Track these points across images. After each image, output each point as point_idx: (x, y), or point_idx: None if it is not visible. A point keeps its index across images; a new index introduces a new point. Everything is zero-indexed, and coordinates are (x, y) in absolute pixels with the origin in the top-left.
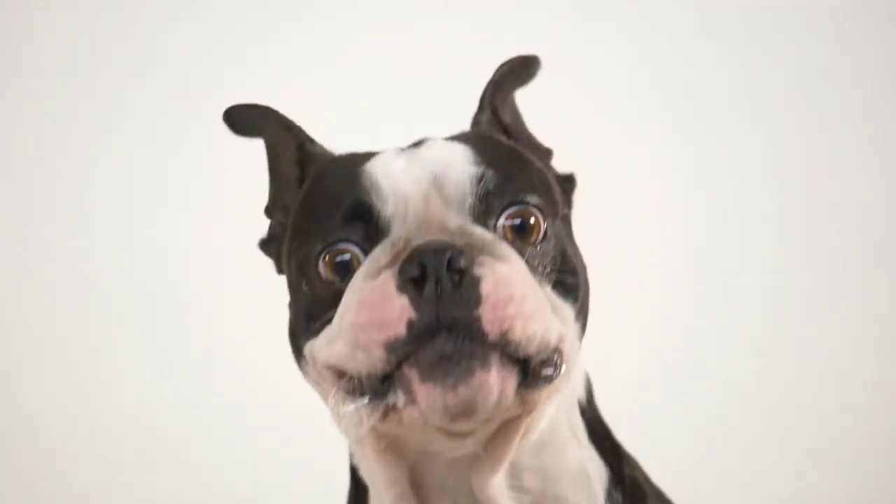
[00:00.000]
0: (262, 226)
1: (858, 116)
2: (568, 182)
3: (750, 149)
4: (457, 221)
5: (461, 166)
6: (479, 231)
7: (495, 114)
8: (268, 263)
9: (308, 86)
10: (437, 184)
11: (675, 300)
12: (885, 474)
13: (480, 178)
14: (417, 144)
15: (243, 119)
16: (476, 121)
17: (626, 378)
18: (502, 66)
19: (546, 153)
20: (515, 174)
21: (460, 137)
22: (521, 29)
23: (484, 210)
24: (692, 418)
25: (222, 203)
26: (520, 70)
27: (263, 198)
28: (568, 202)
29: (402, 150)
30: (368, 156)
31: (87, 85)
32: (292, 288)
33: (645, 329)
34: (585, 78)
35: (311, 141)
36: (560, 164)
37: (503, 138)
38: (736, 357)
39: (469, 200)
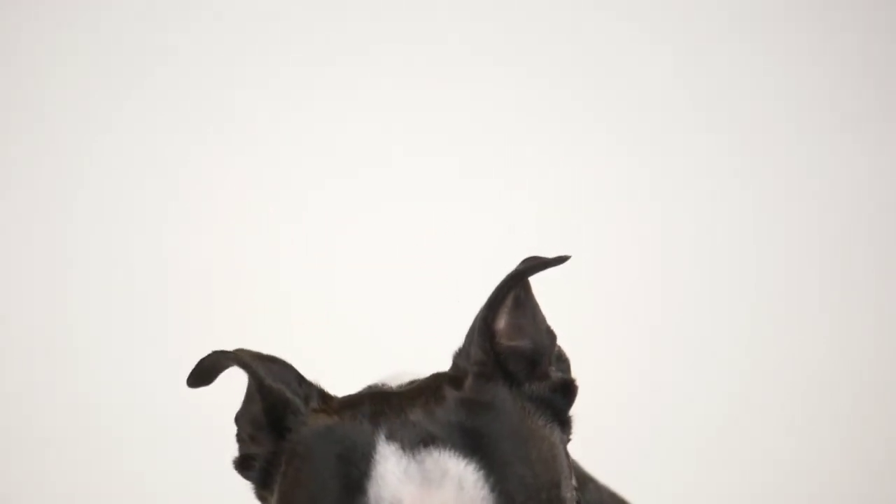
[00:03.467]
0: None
1: (844, 121)
2: (567, 393)
3: (740, 152)
4: None
5: None
6: None
7: (491, 343)
8: (263, 268)
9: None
10: None
11: (665, 307)
12: (880, 477)
13: None
14: (420, 447)
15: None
16: (465, 356)
17: (617, 388)
18: (491, 296)
19: (551, 337)
20: None
21: (474, 447)
22: (504, 34)
23: None
24: (686, 425)
25: (215, 208)
26: (507, 290)
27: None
28: (567, 429)
29: (407, 461)
30: (364, 459)
31: (82, 85)
32: None
33: (635, 338)
34: (568, 86)
35: (278, 390)
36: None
37: (516, 431)
38: (729, 361)
39: None
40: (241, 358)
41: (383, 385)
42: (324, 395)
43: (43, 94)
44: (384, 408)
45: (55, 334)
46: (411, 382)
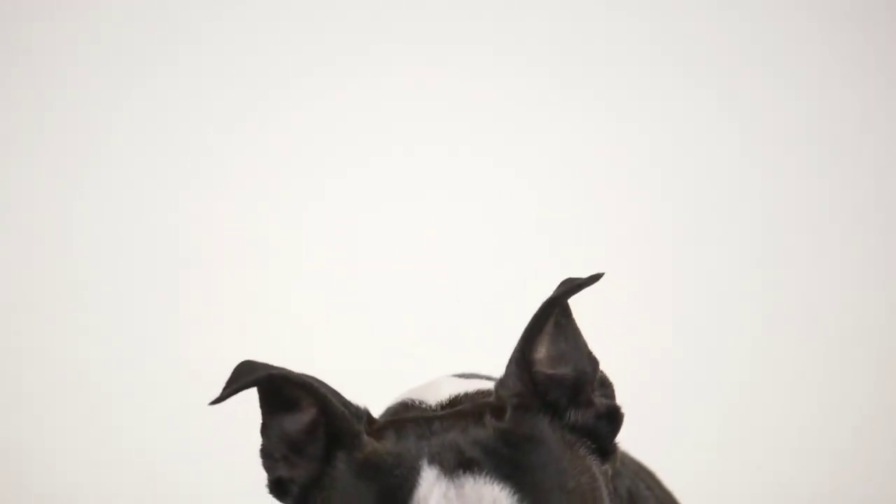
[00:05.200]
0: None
1: (853, 117)
2: (612, 420)
3: (745, 148)
4: None
5: None
6: None
7: (529, 374)
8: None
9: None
10: None
11: (665, 304)
12: (884, 475)
13: None
14: (459, 471)
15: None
16: (506, 386)
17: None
18: (529, 325)
19: (593, 363)
20: None
21: (511, 475)
22: (502, 25)
23: None
24: (690, 422)
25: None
26: (545, 318)
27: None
28: (612, 458)
29: (446, 485)
30: (407, 482)
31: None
32: None
33: (636, 334)
34: (568, 80)
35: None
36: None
37: (555, 458)
38: (734, 359)
39: None
40: (300, 379)
41: (421, 403)
42: (370, 418)
43: (49, 85)
44: (427, 431)
45: (56, 335)
46: (452, 400)
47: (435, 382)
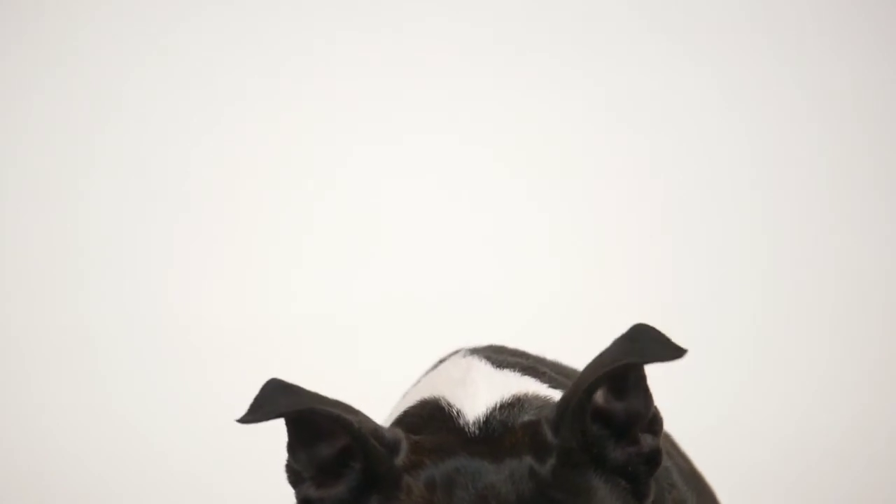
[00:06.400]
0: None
1: (863, 99)
2: (652, 462)
3: (744, 147)
4: None
5: None
6: None
7: (584, 427)
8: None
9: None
10: None
11: (664, 296)
12: (884, 479)
13: None
14: None
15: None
16: (555, 429)
17: None
18: (598, 374)
19: (649, 401)
20: None
21: None
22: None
23: None
24: (688, 422)
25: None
26: (620, 372)
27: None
28: (645, 498)
29: None
30: None
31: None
32: None
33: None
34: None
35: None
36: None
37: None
38: (734, 355)
39: None
40: (335, 414)
41: (458, 415)
42: (411, 446)
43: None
44: (468, 482)
45: (55, 330)
46: (489, 416)
47: (470, 381)
